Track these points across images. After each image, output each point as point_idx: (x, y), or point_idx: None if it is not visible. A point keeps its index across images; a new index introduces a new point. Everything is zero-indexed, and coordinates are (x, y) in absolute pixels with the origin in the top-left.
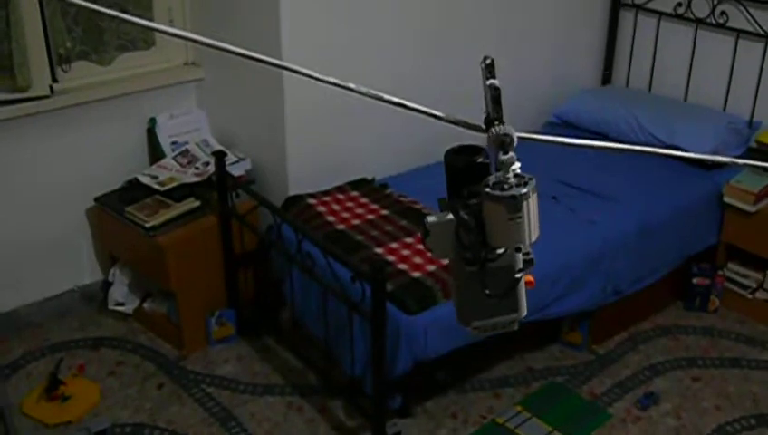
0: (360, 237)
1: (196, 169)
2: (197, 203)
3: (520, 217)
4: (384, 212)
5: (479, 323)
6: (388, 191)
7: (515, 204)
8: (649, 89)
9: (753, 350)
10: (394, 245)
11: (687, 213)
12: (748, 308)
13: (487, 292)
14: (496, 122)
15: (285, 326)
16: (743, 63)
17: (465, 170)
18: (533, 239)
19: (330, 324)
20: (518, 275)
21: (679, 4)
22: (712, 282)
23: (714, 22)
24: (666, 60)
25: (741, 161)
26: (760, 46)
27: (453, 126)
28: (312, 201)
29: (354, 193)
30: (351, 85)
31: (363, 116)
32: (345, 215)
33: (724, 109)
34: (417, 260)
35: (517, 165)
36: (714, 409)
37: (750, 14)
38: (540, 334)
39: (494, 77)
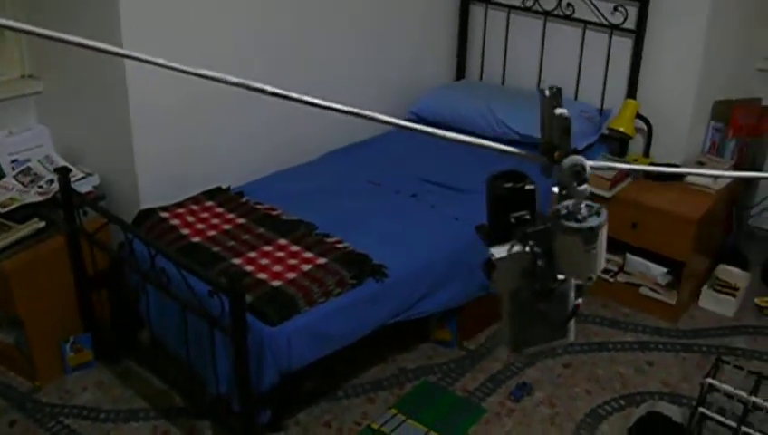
0: (216, 249)
1: (40, 187)
2: (42, 224)
3: (595, 249)
4: (241, 221)
5: (532, 350)
6: (245, 199)
7: (593, 235)
8: (503, 82)
9: (618, 332)
10: (252, 254)
11: (547, 202)
12: (610, 292)
13: (564, 319)
14: (563, 152)
15: (146, 347)
16: (590, 53)
17: (511, 197)
18: (602, 269)
19: (190, 342)
20: (578, 302)
21: None
22: None
23: (561, 14)
24: (517, 52)
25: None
26: (605, 36)
27: (305, 131)
28: (164, 214)
29: (209, 203)
30: (209, 73)
31: (216, 123)
32: (200, 226)
33: (576, 98)
34: (277, 268)
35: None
36: (585, 393)
37: (594, 5)
38: (410, 334)
39: (560, 105)
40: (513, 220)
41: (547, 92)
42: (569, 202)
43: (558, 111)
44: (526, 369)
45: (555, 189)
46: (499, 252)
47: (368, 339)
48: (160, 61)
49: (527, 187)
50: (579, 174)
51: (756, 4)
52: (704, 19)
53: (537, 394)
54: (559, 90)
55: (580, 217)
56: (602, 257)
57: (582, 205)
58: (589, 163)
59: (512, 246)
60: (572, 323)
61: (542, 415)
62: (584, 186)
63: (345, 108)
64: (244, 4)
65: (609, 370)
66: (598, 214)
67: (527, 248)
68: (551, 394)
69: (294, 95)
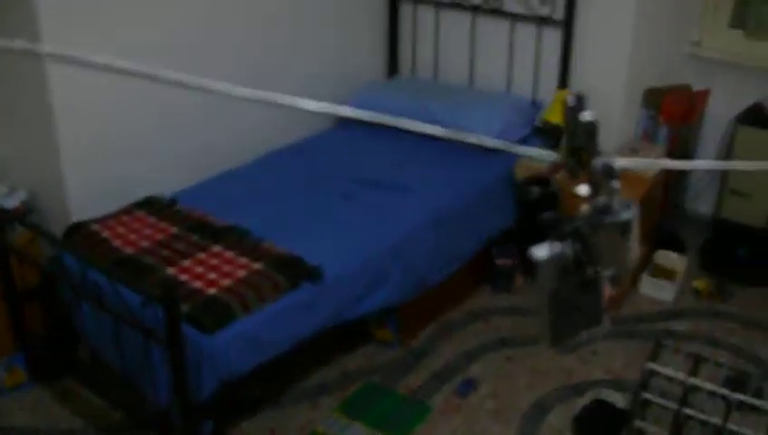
0: (149, 260)
1: None
2: None
3: (630, 240)
4: (174, 230)
5: (570, 341)
6: (177, 207)
7: (628, 228)
8: (435, 77)
9: None
10: (186, 263)
11: (483, 197)
12: None
13: (600, 309)
14: (592, 153)
15: (83, 364)
16: (521, 46)
17: (540, 201)
18: (636, 259)
19: (127, 355)
20: (612, 292)
21: None
22: (514, 262)
23: (489, 8)
24: (448, 47)
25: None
26: (534, 29)
27: (237, 135)
28: (96, 227)
29: (141, 213)
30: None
31: (145, 132)
32: (133, 237)
33: (508, 90)
34: (212, 276)
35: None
36: (529, 385)
37: None
38: (351, 336)
39: (586, 112)
40: (542, 221)
41: (571, 101)
42: (602, 199)
43: (584, 116)
44: (470, 364)
45: (582, 190)
46: (540, 251)
47: (309, 342)
48: (95, 59)
49: (554, 190)
50: (610, 172)
51: None
52: (631, 8)
53: (482, 389)
54: (582, 97)
55: (614, 211)
56: (636, 248)
57: (615, 200)
58: (618, 161)
59: (552, 244)
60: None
61: (488, 409)
62: (615, 183)
63: (283, 99)
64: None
65: (553, 361)
66: (629, 208)
67: (567, 245)
68: (496, 388)
69: (219, 85)
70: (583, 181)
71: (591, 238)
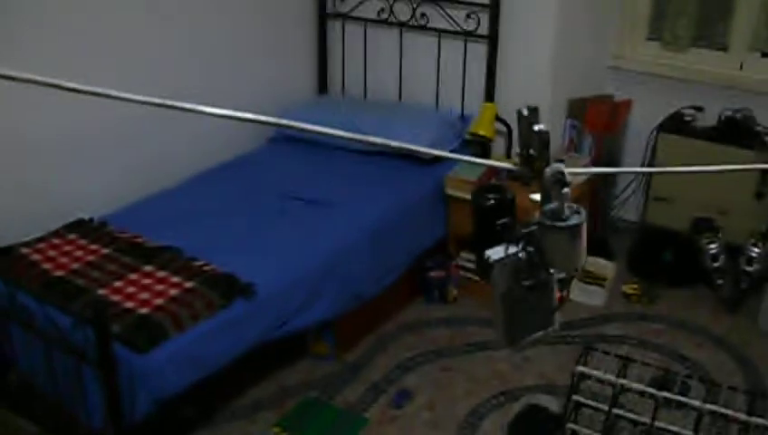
0: (80, 281)
1: None
2: None
3: (579, 243)
4: (105, 251)
5: (525, 341)
6: (108, 229)
7: (577, 232)
8: (365, 94)
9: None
10: (118, 284)
11: (415, 210)
12: (484, 293)
13: (552, 309)
14: (545, 163)
15: (14, 390)
16: (448, 61)
17: (496, 208)
18: (584, 261)
19: (59, 379)
20: (563, 293)
21: (382, 10)
22: (447, 273)
23: (416, 24)
24: (377, 64)
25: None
26: (461, 43)
27: (168, 156)
28: (25, 251)
29: (71, 236)
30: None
31: (75, 153)
32: (63, 260)
33: (437, 105)
34: (144, 296)
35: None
36: (465, 394)
37: (447, 13)
38: (288, 351)
39: (537, 122)
40: (498, 227)
41: (525, 111)
42: (553, 205)
43: (537, 126)
44: (406, 375)
45: (535, 196)
46: (496, 254)
47: (245, 359)
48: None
49: (508, 197)
50: (560, 180)
51: (603, 5)
52: (552, 22)
53: (418, 400)
54: (536, 108)
55: (564, 217)
56: (584, 251)
57: (565, 206)
58: (567, 169)
59: (507, 247)
60: (558, 312)
61: (424, 420)
62: (566, 190)
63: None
64: (94, 12)
65: (487, 369)
66: (578, 213)
67: (520, 248)
68: (431, 398)
69: (141, 98)
70: (536, 188)
71: (544, 242)
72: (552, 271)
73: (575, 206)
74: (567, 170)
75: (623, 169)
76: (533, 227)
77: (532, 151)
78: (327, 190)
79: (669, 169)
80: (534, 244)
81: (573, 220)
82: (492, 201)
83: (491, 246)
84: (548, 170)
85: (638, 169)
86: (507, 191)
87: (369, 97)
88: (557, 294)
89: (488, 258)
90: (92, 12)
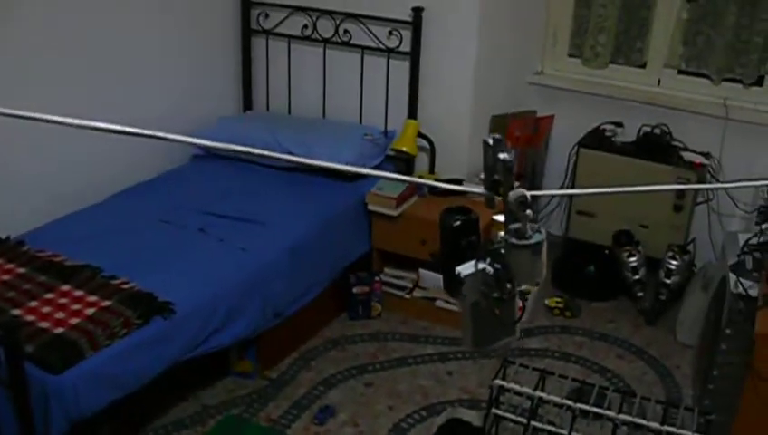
0: None
1: None
2: None
3: (540, 259)
4: (21, 271)
5: (491, 347)
6: (25, 248)
7: (538, 249)
8: (289, 111)
9: (418, 346)
10: (33, 303)
11: (337, 226)
12: (408, 308)
13: (514, 320)
14: (508, 187)
15: None
16: (371, 77)
17: (463, 227)
18: (544, 275)
19: None
20: (525, 302)
21: (306, 26)
22: (371, 289)
23: (339, 40)
24: (301, 81)
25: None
26: (384, 60)
27: (89, 174)
28: None
29: None
30: None
31: None
32: None
33: (361, 122)
34: (60, 316)
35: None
36: (388, 409)
37: (370, 30)
38: (210, 370)
39: (503, 151)
40: (464, 244)
41: (490, 141)
42: (517, 225)
43: (501, 155)
44: (329, 391)
45: (499, 217)
46: (466, 269)
47: (165, 378)
48: None
49: (474, 217)
50: (523, 203)
51: (525, 23)
52: (474, 39)
53: (341, 416)
54: (500, 139)
55: (527, 235)
56: (545, 265)
57: (528, 226)
58: (529, 193)
59: (476, 263)
60: (519, 323)
61: None
62: (528, 211)
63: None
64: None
65: (410, 384)
66: (539, 232)
67: (487, 264)
68: (354, 414)
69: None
70: (500, 210)
71: (509, 258)
72: (515, 284)
73: (536, 225)
74: (529, 193)
75: (578, 190)
76: (499, 245)
77: (497, 177)
78: (249, 207)
79: (618, 189)
80: (500, 260)
81: (535, 238)
82: (458, 221)
83: (458, 262)
84: (512, 194)
85: (595, 191)
86: (473, 212)
87: (294, 113)
88: (519, 305)
89: (459, 274)
90: (19, 26)
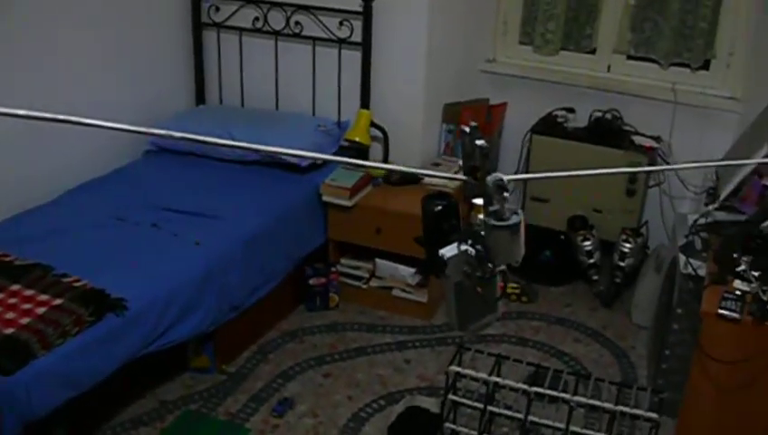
0: None
1: None
2: None
3: (518, 239)
4: None
5: (474, 326)
6: None
7: (517, 229)
8: (242, 104)
9: (376, 336)
10: None
11: (291, 218)
12: (365, 298)
13: (495, 298)
14: (486, 172)
15: None
16: (323, 68)
17: (444, 212)
18: (523, 255)
19: None
20: (502, 284)
21: (257, 19)
22: (328, 280)
23: (290, 32)
24: (253, 73)
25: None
26: (335, 51)
27: (38, 171)
28: None
29: None
30: None
31: None
32: None
33: (314, 113)
34: (9, 316)
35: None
36: (346, 399)
37: (321, 21)
38: (167, 365)
39: (480, 138)
40: (446, 228)
41: (468, 129)
42: (496, 207)
43: (478, 142)
44: (287, 383)
45: (478, 201)
46: (449, 251)
47: (122, 375)
48: None
49: (453, 202)
50: (501, 187)
51: (475, 11)
52: (424, 28)
53: (299, 407)
54: (476, 126)
55: (505, 217)
56: (523, 245)
57: (506, 208)
58: (506, 177)
59: (459, 245)
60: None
61: (306, 427)
62: (506, 194)
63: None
64: None
65: (368, 373)
66: (517, 213)
67: (470, 245)
68: (313, 405)
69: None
70: (478, 194)
71: (489, 239)
72: (495, 264)
73: (514, 207)
74: (506, 177)
75: (540, 175)
76: (479, 227)
77: (475, 163)
78: (202, 201)
79: (574, 172)
80: (480, 241)
81: (513, 220)
82: (439, 207)
83: (440, 246)
84: (490, 178)
85: (554, 175)
86: (452, 198)
87: (247, 106)
88: (499, 285)
89: (443, 256)
90: None
